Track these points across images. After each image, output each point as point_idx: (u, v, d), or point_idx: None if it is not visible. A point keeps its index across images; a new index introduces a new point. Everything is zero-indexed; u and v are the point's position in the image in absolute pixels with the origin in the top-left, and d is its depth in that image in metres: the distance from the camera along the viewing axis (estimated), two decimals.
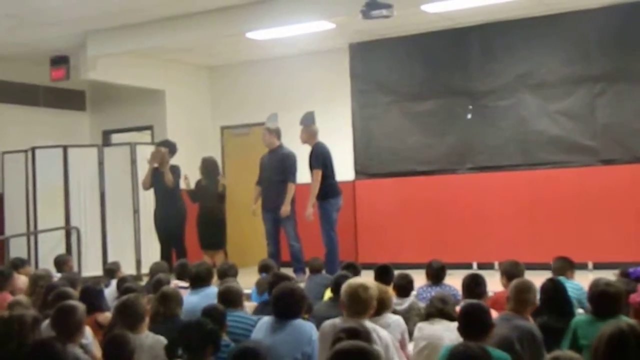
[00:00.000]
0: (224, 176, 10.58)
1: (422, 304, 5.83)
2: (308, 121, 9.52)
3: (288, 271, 9.08)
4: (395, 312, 5.43)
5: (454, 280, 6.82)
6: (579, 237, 9.65)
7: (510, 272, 6.25)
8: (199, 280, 6.63)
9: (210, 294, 6.17)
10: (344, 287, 4.81)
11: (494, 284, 6.43)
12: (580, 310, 5.79)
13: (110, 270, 8.22)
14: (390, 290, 5.42)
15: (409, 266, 8.14)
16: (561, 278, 6.17)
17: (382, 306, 5.02)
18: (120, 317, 5.02)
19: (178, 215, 10.13)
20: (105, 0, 8.98)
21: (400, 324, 5.00)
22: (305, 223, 9.43)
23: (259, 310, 5.62)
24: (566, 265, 6.71)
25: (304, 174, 9.63)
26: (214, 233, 10.13)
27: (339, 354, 3.12)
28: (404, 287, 6.08)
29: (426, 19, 10.05)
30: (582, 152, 9.92)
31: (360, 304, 4.68)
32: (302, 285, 6.42)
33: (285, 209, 9.30)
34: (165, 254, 10.00)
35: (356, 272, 6.62)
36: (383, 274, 6.68)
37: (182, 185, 10.17)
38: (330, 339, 3.95)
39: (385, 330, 4.67)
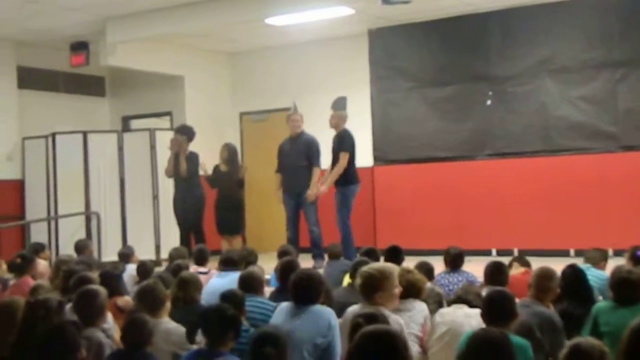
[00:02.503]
0: (243, 162, 10.57)
1: (440, 290, 5.82)
2: (340, 106, 9.49)
3: (307, 257, 9.16)
4: None
5: (473, 267, 6.82)
6: (600, 224, 9.59)
7: (519, 259, 6.32)
8: (228, 264, 6.68)
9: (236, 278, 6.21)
10: (359, 273, 4.82)
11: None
12: (600, 298, 5.76)
13: (125, 255, 8.25)
14: (425, 280, 5.40)
15: (428, 252, 8.15)
16: (588, 266, 6.17)
17: (414, 292, 5.03)
18: (140, 302, 5.07)
19: (196, 202, 10.18)
20: None
21: (423, 309, 4.99)
22: (324, 210, 9.43)
23: (274, 298, 5.62)
24: (599, 256, 6.70)
25: (324, 159, 9.61)
26: (232, 218, 10.17)
27: (365, 338, 3.10)
28: (425, 274, 6.06)
29: (446, 4, 10.00)
30: (603, 138, 9.84)
31: (371, 288, 4.72)
32: (320, 271, 6.43)
33: (312, 192, 9.31)
34: (184, 240, 10.05)
35: (376, 258, 6.61)
36: (393, 254, 6.70)
37: (201, 172, 10.21)
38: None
39: (401, 319, 4.68)
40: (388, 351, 3.00)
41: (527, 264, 6.61)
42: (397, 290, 4.77)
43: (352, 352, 3.10)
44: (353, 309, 4.74)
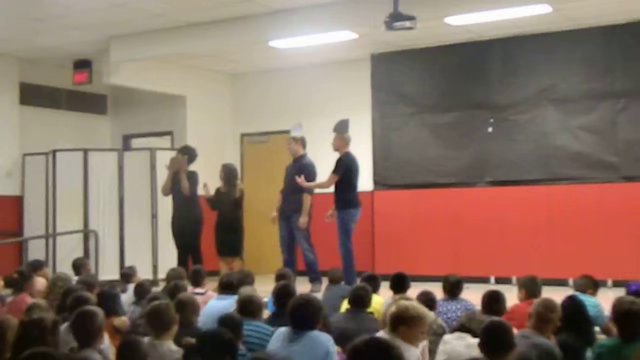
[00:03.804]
0: (241, 182, 10.55)
1: (442, 322, 5.79)
2: (342, 128, 9.47)
3: (304, 280, 9.12)
4: None
5: (471, 294, 6.80)
6: (599, 254, 9.57)
7: (529, 286, 6.24)
8: (227, 287, 6.67)
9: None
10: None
11: (511, 299, 6.37)
12: (596, 329, 5.73)
13: (126, 275, 8.24)
14: (430, 315, 5.34)
15: (426, 278, 8.13)
16: (579, 294, 6.13)
17: None
18: (149, 322, 5.04)
19: (194, 223, 10.13)
20: (129, 6, 9.04)
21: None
22: (320, 233, 9.41)
23: (270, 322, 5.60)
24: (589, 283, 6.67)
25: None
26: (231, 240, 10.10)
27: (357, 350, 3.08)
28: (425, 304, 6.02)
29: (448, 31, 10.04)
30: (603, 168, 9.85)
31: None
32: (318, 295, 6.41)
33: (304, 220, 9.28)
34: (182, 261, 10.00)
35: (376, 284, 6.60)
36: (399, 282, 6.67)
37: (202, 192, 10.17)
38: None
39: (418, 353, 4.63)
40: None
41: (534, 295, 6.47)
42: (422, 335, 4.66)
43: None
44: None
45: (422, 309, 4.72)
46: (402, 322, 4.57)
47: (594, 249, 9.65)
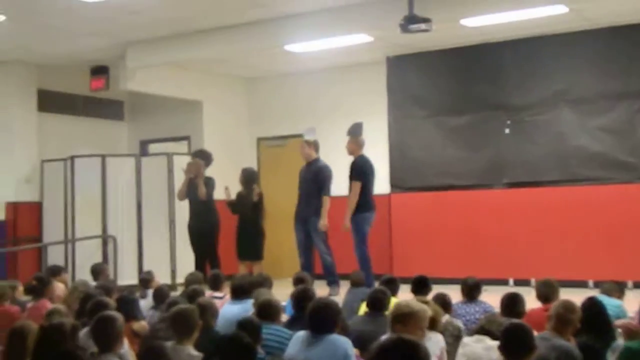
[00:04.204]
0: (258, 186, 10.57)
1: (460, 324, 5.78)
2: (356, 132, 9.50)
3: (322, 284, 9.13)
4: None
5: (490, 297, 6.77)
6: (618, 255, 9.52)
7: (542, 291, 6.25)
8: (240, 292, 6.67)
9: (250, 306, 6.20)
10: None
11: (530, 301, 6.35)
12: (618, 331, 5.69)
13: (145, 280, 8.28)
14: (441, 312, 5.37)
15: (444, 281, 8.11)
16: (601, 296, 6.10)
17: (430, 325, 5.00)
18: (173, 325, 5.06)
19: (212, 227, 10.17)
20: (145, 13, 9.09)
21: (439, 340, 4.96)
22: (340, 236, 9.42)
23: (289, 325, 5.61)
24: (615, 287, 6.64)
25: (339, 186, 9.62)
26: (252, 244, 10.13)
27: (384, 349, 3.09)
28: (441, 306, 6.01)
29: (464, 32, 10.02)
30: (622, 168, 9.79)
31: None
32: (336, 299, 6.40)
33: (323, 222, 9.29)
34: (199, 265, 10.03)
35: (395, 287, 6.59)
36: (420, 285, 6.66)
37: (223, 196, 10.20)
38: None
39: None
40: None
41: (547, 299, 6.43)
42: (421, 332, 4.71)
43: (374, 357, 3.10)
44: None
45: (418, 306, 4.76)
46: (397, 320, 4.66)
47: (614, 250, 9.59)
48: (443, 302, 6.07)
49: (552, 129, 10.20)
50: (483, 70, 10.72)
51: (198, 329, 5.05)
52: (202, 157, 10.36)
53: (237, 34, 9.80)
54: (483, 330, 4.85)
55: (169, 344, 4.83)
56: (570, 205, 9.99)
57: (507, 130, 10.48)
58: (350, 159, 9.46)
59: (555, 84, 10.21)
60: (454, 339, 5.19)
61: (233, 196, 10.29)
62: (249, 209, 10.12)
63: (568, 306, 4.90)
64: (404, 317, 4.65)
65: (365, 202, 9.24)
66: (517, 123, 10.44)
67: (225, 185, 10.16)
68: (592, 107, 10.01)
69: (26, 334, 4.69)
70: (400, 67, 11.31)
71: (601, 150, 9.92)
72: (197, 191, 10.06)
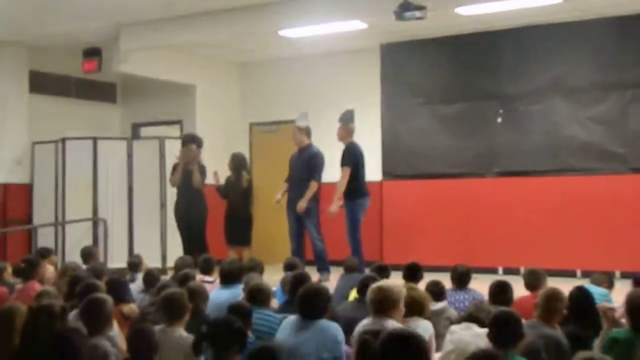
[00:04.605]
0: (248, 171, 10.53)
1: (452, 310, 5.81)
2: (347, 119, 9.52)
3: (312, 270, 9.13)
4: None
5: (479, 285, 6.80)
6: (607, 245, 9.57)
7: (528, 279, 6.31)
8: (229, 277, 6.67)
9: (240, 291, 6.20)
10: (371, 288, 4.85)
11: (519, 289, 6.38)
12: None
13: (134, 264, 8.25)
14: (429, 297, 5.40)
15: (434, 269, 8.13)
16: (589, 285, 6.13)
17: (417, 310, 5.03)
18: (162, 309, 5.07)
19: (200, 213, 10.17)
20: None
21: (428, 328, 4.99)
22: (332, 223, 9.43)
23: (281, 310, 5.62)
24: (605, 278, 6.70)
25: (331, 173, 9.63)
26: (240, 229, 10.15)
27: (388, 342, 3.13)
28: (436, 294, 6.04)
29: (459, 21, 10.01)
30: (613, 159, 9.83)
31: (384, 304, 4.74)
32: (326, 285, 6.42)
33: (302, 205, 9.27)
34: (187, 251, 10.01)
35: (386, 275, 6.60)
36: (412, 272, 6.68)
37: (212, 180, 10.20)
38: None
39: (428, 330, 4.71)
40: (413, 352, 3.02)
41: (533, 287, 6.48)
42: (399, 311, 4.83)
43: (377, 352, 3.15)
44: (362, 324, 4.74)
45: (389, 287, 4.84)
46: (373, 304, 4.76)
47: (603, 240, 9.64)
48: (437, 290, 6.09)
49: (545, 119, 10.23)
50: (477, 59, 10.72)
51: (188, 312, 5.06)
52: (199, 143, 10.32)
53: (231, 18, 9.76)
54: (471, 317, 4.88)
55: (158, 327, 4.83)
56: (560, 195, 10.03)
57: (499, 120, 10.50)
58: (342, 145, 9.47)
59: (549, 74, 10.22)
60: (449, 324, 5.22)
61: (222, 181, 10.29)
62: (238, 195, 10.12)
63: (553, 295, 4.92)
64: (380, 301, 4.75)
65: (359, 188, 9.27)
66: (509, 112, 10.45)
67: (214, 170, 10.15)
68: (585, 97, 10.03)
69: (14, 316, 4.67)
70: (394, 54, 11.30)
71: (593, 140, 9.95)
72: (190, 178, 10.03)
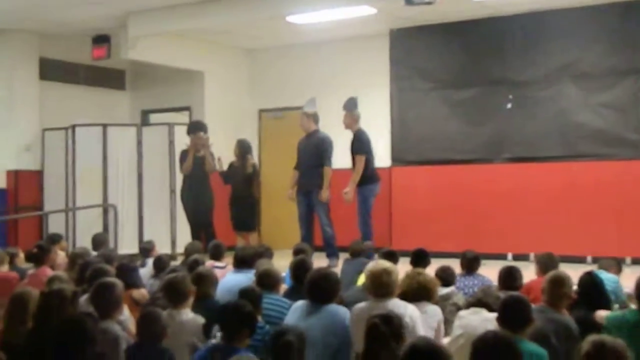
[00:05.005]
0: (252, 157, 10.51)
1: (460, 295, 5.81)
2: (351, 106, 9.53)
3: (321, 255, 9.16)
4: None
5: (488, 271, 6.81)
6: (617, 232, 9.54)
7: (545, 263, 6.26)
8: (243, 262, 6.71)
9: (252, 276, 6.23)
10: (368, 271, 4.87)
11: (528, 275, 6.39)
12: (615, 306, 5.73)
13: (145, 250, 8.30)
14: (437, 282, 5.41)
15: (443, 255, 8.12)
16: (599, 271, 6.13)
17: (425, 295, 5.04)
18: (166, 294, 5.15)
19: (210, 200, 10.25)
20: None
21: (436, 313, 4.99)
22: (341, 208, 9.45)
23: (287, 296, 5.65)
24: (613, 263, 6.68)
25: (340, 159, 9.63)
26: (245, 215, 10.18)
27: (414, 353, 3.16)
28: (446, 280, 6.05)
29: (468, 6, 9.97)
30: (624, 145, 9.77)
31: (384, 287, 4.77)
32: (336, 270, 6.43)
33: (325, 193, 9.31)
34: (195, 237, 10.05)
35: (394, 261, 6.60)
36: (419, 258, 6.69)
37: (217, 167, 10.23)
38: (363, 323, 3.99)
39: (416, 310, 4.70)
40: None
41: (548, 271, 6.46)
42: (394, 289, 4.85)
43: None
44: (363, 306, 4.75)
45: (387, 265, 4.86)
46: (372, 286, 4.79)
47: (613, 227, 9.61)
48: (447, 275, 6.10)
49: (555, 105, 10.17)
50: (487, 44, 10.66)
51: (192, 295, 5.12)
52: (200, 128, 10.36)
53: (239, 4, 9.76)
54: (479, 302, 4.88)
55: (166, 311, 4.87)
56: (570, 181, 9.99)
57: (509, 105, 10.46)
58: (349, 132, 9.47)
59: (559, 60, 10.15)
60: (456, 310, 5.23)
61: (225, 167, 10.31)
62: (243, 181, 10.13)
63: (557, 280, 4.91)
64: (376, 285, 4.80)
65: (370, 174, 9.32)
66: (519, 98, 10.41)
67: (218, 156, 10.19)
68: (596, 83, 9.97)
69: (27, 300, 4.74)
70: (404, 40, 11.25)
71: (603, 126, 9.90)
72: (198, 166, 10.07)
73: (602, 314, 5.01)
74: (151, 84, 12.98)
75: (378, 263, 5.01)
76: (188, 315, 4.95)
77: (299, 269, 5.88)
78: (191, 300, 5.10)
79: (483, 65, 10.67)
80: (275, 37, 11.81)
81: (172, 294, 5.08)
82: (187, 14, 10.12)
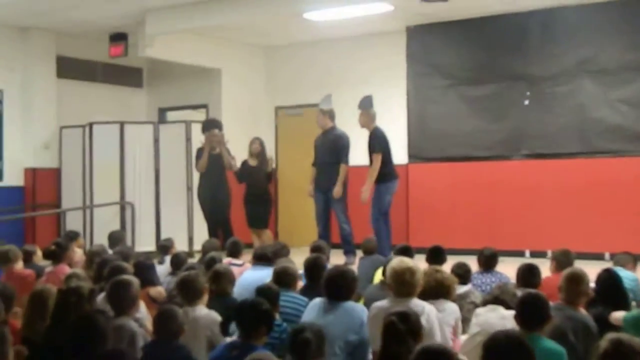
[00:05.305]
0: (277, 156, 10.54)
1: (477, 293, 5.79)
2: (367, 105, 9.49)
3: (338, 253, 9.16)
4: None
5: (506, 268, 6.78)
6: (636, 228, 9.46)
7: (560, 260, 6.24)
8: (262, 259, 6.73)
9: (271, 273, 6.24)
10: (391, 269, 4.84)
11: (546, 272, 6.36)
12: (633, 304, 5.69)
13: (164, 247, 8.30)
14: (455, 280, 5.39)
15: (460, 252, 8.11)
16: (617, 268, 6.08)
17: (444, 293, 5.03)
18: (180, 291, 5.17)
19: (227, 197, 10.27)
20: None
21: (454, 310, 4.98)
22: (357, 207, 9.43)
23: (303, 294, 5.64)
24: (629, 259, 6.63)
25: (357, 157, 9.62)
26: (260, 212, 10.19)
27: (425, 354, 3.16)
28: (461, 276, 6.02)
29: (485, 2, 9.92)
30: None
31: (406, 287, 4.75)
32: (353, 267, 6.42)
33: (338, 189, 9.31)
34: (212, 234, 10.07)
35: (410, 256, 6.58)
36: (435, 255, 6.67)
37: (233, 165, 10.25)
38: (381, 321, 3.98)
39: (434, 310, 4.68)
40: None
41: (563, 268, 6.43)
42: (415, 289, 4.83)
43: None
44: (381, 305, 4.73)
45: (411, 264, 4.84)
46: (395, 284, 4.78)
47: (632, 223, 9.53)
48: (463, 272, 6.08)
49: (573, 101, 10.10)
50: (504, 40, 10.60)
51: (206, 292, 5.13)
52: (219, 127, 10.38)
53: (256, 1, 9.75)
54: (497, 300, 4.86)
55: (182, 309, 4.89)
56: (588, 178, 9.92)
57: (526, 102, 10.40)
58: (364, 130, 9.45)
59: (577, 55, 10.08)
60: (474, 308, 5.20)
61: (238, 165, 10.32)
62: (262, 179, 10.14)
63: (574, 277, 4.87)
64: (393, 282, 4.78)
65: (388, 171, 9.30)
66: (537, 94, 10.34)
67: (233, 154, 10.21)
68: (614, 78, 9.88)
69: (47, 297, 4.77)
70: (421, 37, 11.20)
71: (622, 122, 9.82)
72: (214, 164, 10.10)
73: (617, 315, 4.97)
74: (168, 81, 13.01)
75: (402, 261, 4.95)
76: (202, 310, 4.96)
77: (312, 267, 5.88)
78: (205, 297, 5.11)
79: (500, 62, 10.62)
80: (292, 34, 11.80)
81: (186, 291, 5.10)
82: (204, 12, 10.13)
